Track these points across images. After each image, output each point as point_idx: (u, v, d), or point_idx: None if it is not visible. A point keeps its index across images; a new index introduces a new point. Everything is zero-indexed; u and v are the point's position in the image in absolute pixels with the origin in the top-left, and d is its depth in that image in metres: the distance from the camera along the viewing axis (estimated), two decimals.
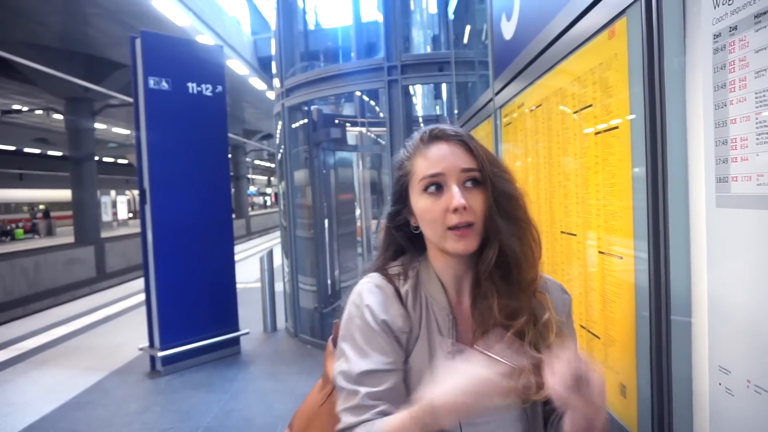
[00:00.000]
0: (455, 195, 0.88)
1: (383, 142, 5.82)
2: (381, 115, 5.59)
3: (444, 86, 6.24)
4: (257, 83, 16.48)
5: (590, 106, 1.32)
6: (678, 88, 0.92)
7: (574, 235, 1.43)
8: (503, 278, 0.92)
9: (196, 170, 4.78)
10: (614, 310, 1.19)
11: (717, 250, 0.83)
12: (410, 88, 5.32)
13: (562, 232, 1.53)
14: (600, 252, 1.25)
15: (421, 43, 6.68)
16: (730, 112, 0.77)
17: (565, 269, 1.51)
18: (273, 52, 6.30)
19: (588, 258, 1.34)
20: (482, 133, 2.80)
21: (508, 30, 2.11)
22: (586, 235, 1.34)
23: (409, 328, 0.93)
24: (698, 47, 0.86)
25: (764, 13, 0.69)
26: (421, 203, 0.93)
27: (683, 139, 0.91)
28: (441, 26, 6.17)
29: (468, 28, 4.31)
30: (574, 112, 1.42)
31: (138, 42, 4.55)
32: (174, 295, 4.65)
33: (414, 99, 6.44)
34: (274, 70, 6.22)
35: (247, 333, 5.27)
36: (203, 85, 4.84)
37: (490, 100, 2.47)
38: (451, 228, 0.89)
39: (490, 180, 0.91)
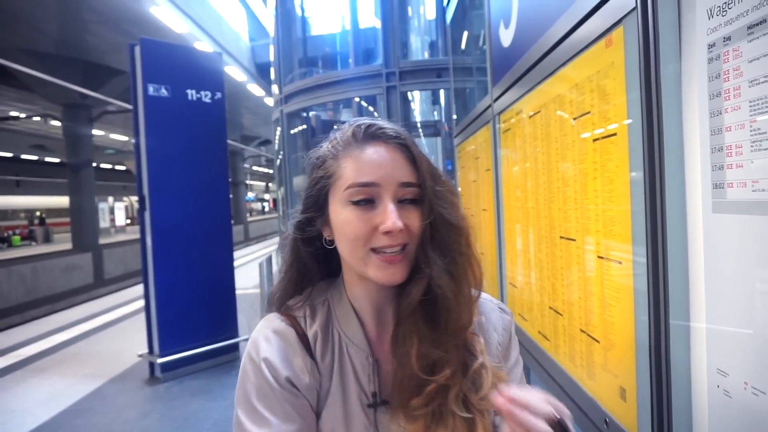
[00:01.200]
0: (390, 214, 0.71)
1: None
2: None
3: (442, 92, 6.28)
4: (255, 89, 16.54)
5: (588, 113, 1.34)
6: (674, 95, 0.94)
7: (574, 240, 1.45)
8: (428, 320, 0.75)
9: (195, 177, 4.80)
10: (613, 314, 1.20)
11: (714, 254, 0.85)
12: (408, 94, 5.36)
13: (561, 237, 1.55)
14: (599, 257, 1.27)
15: (419, 49, 6.73)
16: (726, 120, 0.79)
17: (565, 274, 1.53)
18: (271, 58, 6.33)
19: (587, 263, 1.35)
20: (481, 139, 2.82)
21: (506, 37, 2.14)
22: (585, 240, 1.36)
23: (319, 383, 0.77)
24: (693, 56, 0.88)
25: (757, 24, 0.71)
26: (343, 215, 0.75)
27: (680, 146, 0.93)
28: (439, 32, 6.22)
29: (466, 34, 4.35)
30: (573, 119, 1.44)
31: (137, 49, 4.57)
32: (173, 302, 4.66)
33: (412, 105, 6.48)
34: (272, 76, 6.26)
35: (247, 339, 5.26)
36: (202, 92, 4.87)
37: (489, 106, 2.49)
38: (376, 250, 0.73)
39: (429, 200, 0.75)
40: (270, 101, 7.28)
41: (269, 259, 6.02)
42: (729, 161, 0.79)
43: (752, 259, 0.76)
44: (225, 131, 5.14)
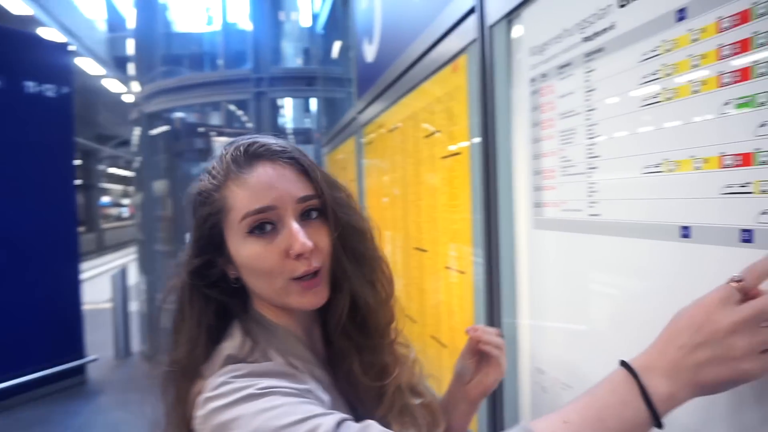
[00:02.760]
0: (297, 234, 0.65)
1: None
2: (249, 125, 5.46)
3: (314, 101, 6.29)
4: (113, 85, 15.16)
5: (439, 131, 1.43)
6: (506, 122, 1.04)
7: (426, 251, 1.53)
8: (359, 330, 0.73)
9: (33, 179, 4.26)
10: (458, 320, 1.29)
11: (535, 265, 0.95)
12: (278, 100, 5.29)
13: (415, 248, 1.63)
14: (446, 267, 1.35)
15: (291, 55, 6.68)
16: (543, 147, 0.90)
17: (418, 283, 1.61)
18: (131, 52, 5.87)
19: (437, 272, 1.44)
20: (347, 150, 2.87)
21: (370, 52, 2.21)
22: (436, 251, 1.45)
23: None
24: (521, 88, 0.98)
25: (566, 65, 0.82)
26: (246, 250, 0.67)
27: (510, 168, 1.03)
28: (311, 40, 6.24)
29: (337, 44, 4.41)
30: (425, 137, 1.52)
31: None
32: (1, 321, 4.07)
33: (283, 111, 6.40)
34: (132, 72, 5.80)
35: (95, 359, 4.78)
36: (45, 85, 4.34)
37: (354, 118, 2.55)
38: (294, 278, 0.67)
39: (333, 210, 0.70)
40: (130, 98, 6.73)
41: (123, 271, 5.54)
42: (545, 184, 0.89)
43: (561, 270, 0.87)
44: (72, 129, 4.63)
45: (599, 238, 0.75)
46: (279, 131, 5.22)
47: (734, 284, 0.47)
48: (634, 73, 0.66)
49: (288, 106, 6.89)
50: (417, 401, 0.76)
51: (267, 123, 4.74)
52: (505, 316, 1.05)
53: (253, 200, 0.66)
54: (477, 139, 1.13)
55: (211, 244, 0.70)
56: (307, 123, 7.38)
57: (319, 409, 0.57)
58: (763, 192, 0.50)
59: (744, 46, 0.51)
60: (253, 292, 0.72)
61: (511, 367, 1.03)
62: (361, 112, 2.40)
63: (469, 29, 1.16)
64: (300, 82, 4.82)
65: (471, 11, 1.13)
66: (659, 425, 0.47)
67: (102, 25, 15.71)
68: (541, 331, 0.95)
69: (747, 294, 0.46)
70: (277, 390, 0.58)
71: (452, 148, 1.32)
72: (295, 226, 0.66)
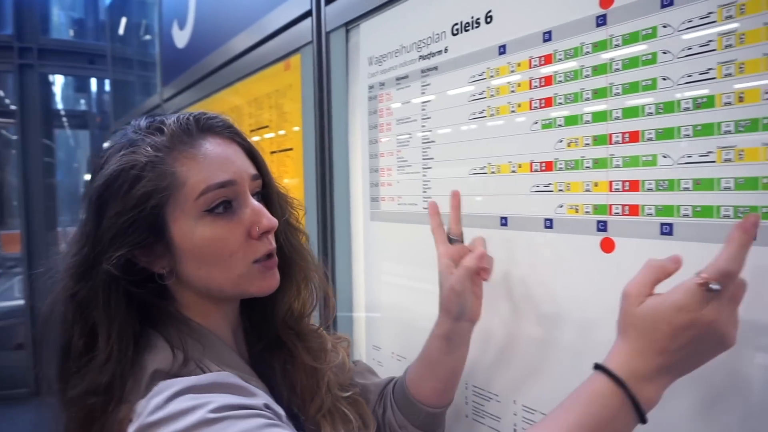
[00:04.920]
0: (261, 210, 0.60)
1: (13, 137, 4.78)
2: (9, 103, 4.58)
3: (93, 80, 5.57)
4: None
5: (267, 126, 1.45)
6: (343, 123, 1.12)
7: None
8: (295, 318, 0.69)
9: None
10: None
11: (371, 255, 1.06)
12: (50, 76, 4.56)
13: None
14: None
15: (63, 25, 5.78)
16: (380, 148, 1.01)
17: None
18: None
19: None
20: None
21: (181, 38, 2.09)
22: None
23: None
24: (358, 92, 1.08)
25: (404, 77, 0.94)
26: (201, 232, 0.58)
27: (347, 165, 1.12)
28: (89, 12, 5.50)
29: (125, 20, 3.98)
30: (251, 131, 1.53)
31: None
32: None
33: (53, 89, 5.52)
34: None
35: None
36: None
37: (158, 105, 2.37)
38: (257, 260, 0.60)
39: (277, 194, 0.67)
40: None
41: None
42: (382, 180, 1.00)
43: (397, 258, 0.99)
44: None
45: None
46: (50, 112, 4.50)
47: (703, 286, 0.44)
48: (464, 91, 0.81)
49: (58, 84, 5.95)
50: (345, 394, 0.71)
51: (34, 102, 4.04)
52: (341, 308, 1.14)
53: (212, 174, 0.58)
54: (312, 137, 1.20)
55: (151, 229, 0.57)
56: (84, 105, 6.48)
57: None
58: (560, 191, 0.67)
59: (548, 80, 0.68)
60: (183, 290, 0.62)
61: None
62: (167, 100, 2.26)
63: (303, 31, 1.22)
64: (80, 59, 4.23)
65: (307, 14, 1.19)
66: (644, 422, 0.47)
67: None
68: (377, 313, 1.06)
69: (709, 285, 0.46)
70: (234, 413, 0.48)
71: (283, 143, 1.36)
72: (255, 202, 0.61)
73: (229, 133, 0.63)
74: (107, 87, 4.94)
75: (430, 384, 0.74)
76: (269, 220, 0.60)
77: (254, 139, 1.50)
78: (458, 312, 0.69)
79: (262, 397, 0.55)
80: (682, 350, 0.46)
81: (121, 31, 3.98)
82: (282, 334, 0.68)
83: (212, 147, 0.60)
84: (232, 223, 0.59)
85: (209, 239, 0.58)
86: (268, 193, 0.66)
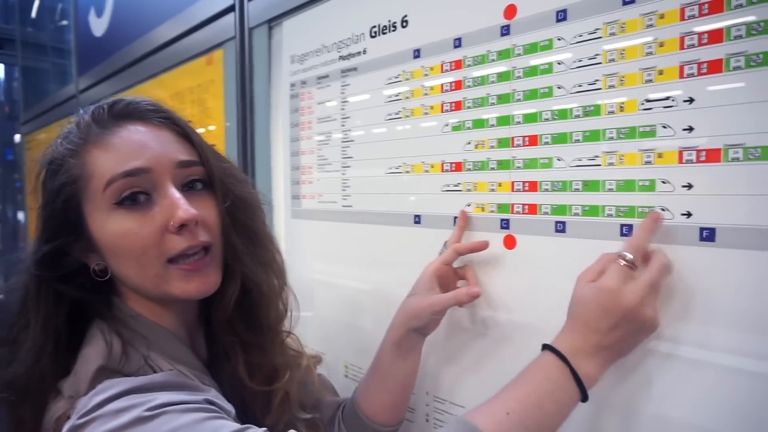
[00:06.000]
0: (178, 201, 0.54)
1: None
2: None
3: (1, 67, 5.15)
4: None
5: (189, 122, 1.41)
6: (265, 120, 1.11)
7: None
8: (247, 324, 0.63)
9: None
10: None
11: (292, 253, 1.06)
12: None
13: None
14: None
15: None
16: (302, 146, 1.01)
17: None
18: None
19: None
20: (61, 131, 2.50)
21: (98, 26, 1.98)
22: None
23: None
24: (280, 90, 1.07)
25: (324, 77, 0.94)
26: (112, 226, 0.55)
27: (268, 163, 1.11)
28: None
29: (37, 2, 3.71)
30: None
31: None
32: None
33: None
34: None
35: None
36: None
37: (74, 96, 2.24)
38: (174, 260, 0.55)
39: (220, 179, 0.60)
40: None
41: None
42: (303, 178, 1.01)
43: (319, 254, 1.00)
44: None
45: (351, 225, 0.90)
46: None
47: (625, 263, 0.51)
48: (381, 93, 0.83)
49: None
50: (305, 416, 0.67)
51: None
52: None
53: (120, 162, 0.54)
54: (234, 134, 1.18)
55: (65, 223, 0.56)
56: None
57: (226, 424, 0.48)
58: (468, 190, 0.71)
59: (458, 85, 0.71)
60: (124, 285, 0.59)
61: None
62: (83, 90, 2.14)
63: (226, 26, 1.20)
64: None
65: (230, 9, 1.17)
66: (586, 399, 0.51)
67: None
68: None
69: (633, 264, 0.51)
70: (170, 409, 0.46)
71: (206, 139, 1.33)
72: (175, 192, 0.55)
73: (157, 117, 0.59)
74: (16, 74, 4.59)
75: (379, 396, 0.71)
76: (185, 212, 0.53)
77: None
78: (418, 325, 0.67)
79: (206, 393, 0.53)
80: (614, 331, 0.50)
81: (33, 14, 3.71)
82: (223, 337, 0.62)
83: (128, 134, 0.56)
84: (146, 217, 0.54)
85: (120, 234, 0.54)
86: (212, 180, 0.59)
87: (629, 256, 0.51)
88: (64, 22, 2.97)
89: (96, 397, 0.48)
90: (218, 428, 0.46)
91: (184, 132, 0.60)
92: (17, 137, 4.12)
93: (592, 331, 0.51)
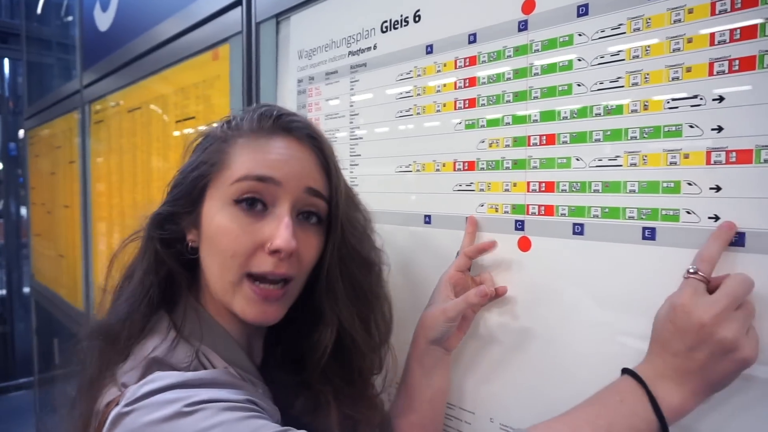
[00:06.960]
0: (284, 228, 0.55)
1: None
2: None
3: (6, 61, 5.14)
4: None
5: (193, 118, 1.39)
6: None
7: None
8: (341, 374, 0.62)
9: None
10: None
11: None
12: None
13: None
14: None
15: None
16: None
17: None
18: None
19: None
20: (65, 127, 2.49)
21: (103, 21, 1.97)
22: None
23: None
24: (287, 85, 1.05)
25: (333, 72, 0.92)
26: (220, 219, 0.57)
27: None
28: None
29: None
30: (176, 121, 1.46)
31: None
32: None
33: None
34: None
35: None
36: None
37: (78, 91, 2.22)
38: (252, 276, 0.56)
39: (342, 227, 0.60)
40: None
41: None
42: None
43: None
44: None
45: None
46: None
47: (696, 277, 0.46)
48: (392, 89, 0.81)
49: None
50: None
51: None
52: None
53: (258, 166, 0.57)
54: None
55: (187, 195, 0.59)
56: None
57: (267, 424, 0.47)
58: (481, 190, 0.69)
59: (472, 81, 0.69)
60: (205, 274, 0.59)
61: None
62: (88, 85, 2.12)
63: (233, 21, 1.18)
64: None
65: (237, 3, 1.15)
66: (665, 430, 0.46)
67: None
68: None
69: (709, 282, 0.47)
70: (212, 405, 0.46)
71: None
72: (287, 218, 0.55)
73: (311, 143, 0.61)
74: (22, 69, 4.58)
75: (407, 417, 0.68)
76: (285, 242, 0.54)
77: (184, 131, 1.44)
78: (435, 336, 0.65)
79: (252, 394, 0.52)
80: (697, 353, 0.45)
81: (39, 9, 3.70)
82: (313, 379, 0.61)
83: (278, 146, 0.58)
84: (253, 226, 0.56)
85: (222, 229, 0.56)
86: (332, 222, 0.60)
87: (698, 268, 0.46)
88: (69, 18, 2.96)
89: (143, 387, 0.49)
90: (257, 428, 0.46)
91: (326, 165, 0.61)
92: (21, 132, 4.12)
93: (671, 354, 0.46)
